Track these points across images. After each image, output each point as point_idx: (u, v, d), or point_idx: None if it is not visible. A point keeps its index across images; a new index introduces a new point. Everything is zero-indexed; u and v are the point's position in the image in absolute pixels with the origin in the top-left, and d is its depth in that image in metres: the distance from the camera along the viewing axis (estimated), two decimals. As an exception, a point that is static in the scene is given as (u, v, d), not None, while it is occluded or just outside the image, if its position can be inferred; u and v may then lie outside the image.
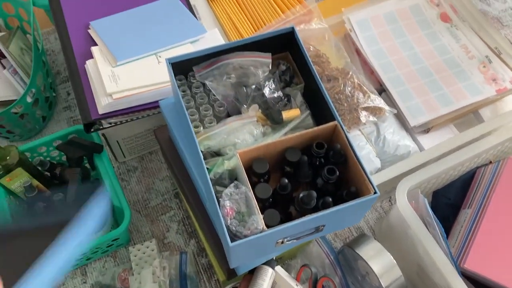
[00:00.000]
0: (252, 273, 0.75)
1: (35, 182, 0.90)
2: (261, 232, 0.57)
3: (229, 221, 0.58)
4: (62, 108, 1.14)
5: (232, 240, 0.56)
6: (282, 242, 0.62)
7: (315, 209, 0.60)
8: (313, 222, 0.59)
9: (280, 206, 0.64)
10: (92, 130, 0.84)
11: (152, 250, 0.93)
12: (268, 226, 0.58)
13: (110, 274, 0.93)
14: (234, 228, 0.57)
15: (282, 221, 0.59)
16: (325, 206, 0.60)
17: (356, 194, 0.62)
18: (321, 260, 0.90)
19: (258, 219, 0.57)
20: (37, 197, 0.89)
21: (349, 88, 0.88)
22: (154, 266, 0.89)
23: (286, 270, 0.79)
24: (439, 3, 1.07)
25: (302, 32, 0.94)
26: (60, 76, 1.19)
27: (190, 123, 0.64)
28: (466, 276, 0.79)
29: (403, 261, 0.84)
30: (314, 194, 0.60)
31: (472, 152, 0.87)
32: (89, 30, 0.92)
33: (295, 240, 0.63)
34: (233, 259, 0.61)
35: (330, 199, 0.61)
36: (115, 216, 0.94)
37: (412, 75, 0.98)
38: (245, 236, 0.56)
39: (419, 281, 0.88)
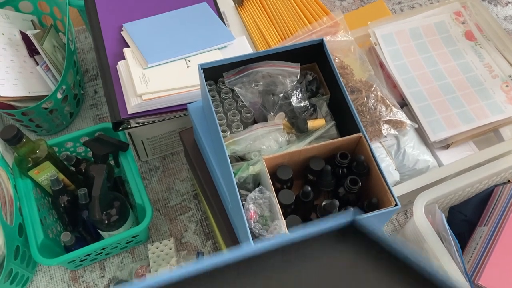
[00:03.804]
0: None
1: (61, 176, 0.93)
2: (283, 236, 0.58)
3: (252, 224, 0.60)
4: (88, 106, 1.17)
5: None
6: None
7: (336, 218, 0.62)
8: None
9: (301, 213, 0.65)
10: (120, 128, 0.87)
11: (170, 249, 0.95)
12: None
13: (127, 269, 0.96)
14: (257, 231, 0.59)
15: (304, 227, 0.61)
16: (347, 215, 0.62)
17: (377, 205, 0.63)
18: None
19: (281, 224, 0.59)
20: (62, 190, 0.92)
21: (372, 101, 0.90)
22: (171, 264, 0.91)
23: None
24: (464, 21, 1.09)
25: (328, 44, 0.96)
26: (88, 74, 1.22)
27: (218, 127, 0.66)
28: (479, 291, 0.80)
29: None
30: (337, 203, 0.61)
31: (491, 171, 0.87)
32: (121, 32, 0.95)
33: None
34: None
35: (352, 209, 0.62)
36: (136, 214, 0.96)
37: (435, 91, 0.99)
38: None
39: (432, 295, 0.89)
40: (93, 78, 1.22)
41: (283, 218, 0.59)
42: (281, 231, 0.58)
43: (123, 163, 0.95)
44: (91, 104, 1.17)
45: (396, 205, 0.61)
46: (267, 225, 0.60)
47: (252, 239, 0.58)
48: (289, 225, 0.60)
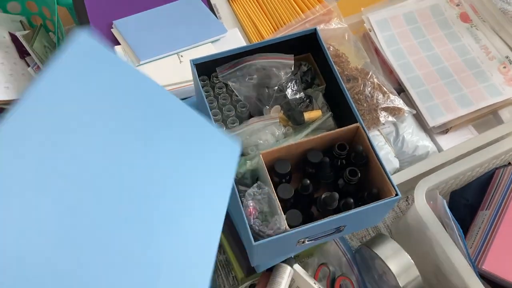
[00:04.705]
0: (271, 271, 0.76)
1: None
2: (284, 232, 0.58)
3: (252, 221, 0.59)
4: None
5: (255, 239, 0.57)
6: (303, 242, 0.63)
7: (337, 210, 0.61)
8: (334, 223, 0.60)
9: (301, 206, 0.65)
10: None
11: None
12: (290, 226, 0.59)
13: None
14: (257, 228, 0.58)
15: (304, 221, 0.60)
16: (347, 207, 0.61)
17: (378, 195, 0.63)
18: (338, 258, 0.91)
19: (281, 219, 0.58)
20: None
21: (369, 89, 0.89)
22: None
23: (304, 268, 0.81)
24: (459, 3, 1.07)
25: (322, 32, 0.94)
26: (81, 73, 1.21)
27: (213, 123, 0.65)
28: (484, 277, 0.80)
29: (420, 261, 0.85)
30: (337, 195, 0.61)
31: (491, 154, 0.87)
32: (112, 30, 0.93)
33: (315, 240, 0.64)
34: (255, 257, 0.62)
35: (352, 200, 0.62)
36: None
37: (432, 76, 0.98)
38: (268, 236, 0.57)
39: (436, 281, 0.89)
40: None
41: (282, 213, 0.59)
42: (281, 227, 0.57)
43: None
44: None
45: (396, 195, 0.60)
46: (267, 221, 0.59)
47: (253, 236, 0.58)
48: (289, 220, 0.59)
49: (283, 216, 0.58)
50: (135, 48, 0.88)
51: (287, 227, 0.58)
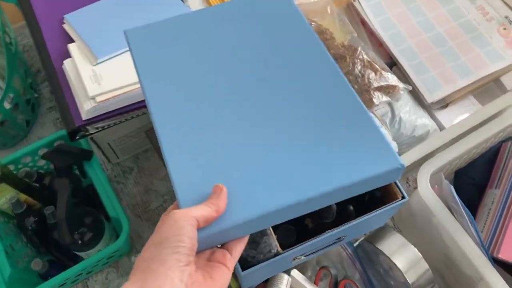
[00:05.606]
0: (266, 281, 0.68)
1: (23, 197, 0.83)
2: (276, 255, 0.49)
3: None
4: (46, 109, 1.05)
5: (243, 266, 0.49)
6: (300, 258, 0.55)
7: (335, 220, 0.53)
8: (334, 236, 0.52)
9: (294, 219, 0.56)
10: (77, 137, 0.76)
11: (157, 258, 0.86)
12: (283, 246, 0.50)
13: (113, 286, 0.87)
14: (244, 253, 0.50)
15: (298, 236, 0.52)
16: (347, 216, 0.53)
17: (381, 199, 0.54)
18: (338, 254, 0.84)
19: (271, 241, 0.49)
20: (26, 212, 0.82)
21: (359, 67, 0.79)
22: (160, 275, 0.83)
23: (302, 268, 0.73)
24: (449, -40, 0.97)
25: (301, 7, 0.84)
26: (41, 74, 1.10)
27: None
28: (498, 262, 0.73)
29: (428, 250, 0.78)
30: (334, 207, 0.52)
31: (497, 127, 0.79)
32: (64, 25, 0.82)
33: (313, 254, 0.56)
34: (245, 283, 0.54)
35: (352, 208, 0.53)
36: (114, 226, 0.87)
37: (425, 45, 0.89)
38: (258, 261, 0.49)
39: (447, 271, 0.82)
40: (47, 78, 1.09)
41: (273, 234, 0.50)
42: (273, 249, 0.49)
43: (89, 173, 0.84)
44: (49, 107, 1.06)
45: (403, 197, 0.52)
46: (255, 243, 0.51)
47: (240, 260, 0.49)
48: (281, 239, 0.51)
49: (274, 237, 0.50)
50: (91, 44, 0.77)
51: (279, 249, 0.49)
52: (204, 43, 0.58)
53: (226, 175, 0.46)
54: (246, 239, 0.46)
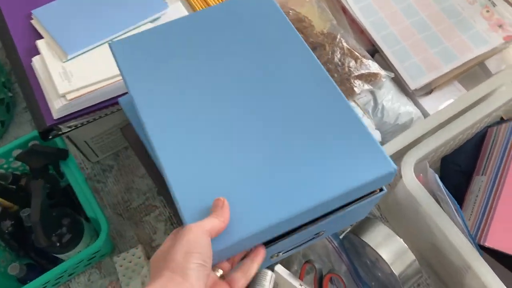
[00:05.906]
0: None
1: (-2, 200, 0.81)
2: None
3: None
4: (22, 109, 1.02)
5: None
6: (277, 255, 0.53)
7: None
8: (310, 232, 0.50)
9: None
10: (50, 137, 0.74)
11: (139, 258, 0.84)
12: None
13: (96, 287, 0.85)
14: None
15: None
16: (324, 211, 0.51)
17: (359, 192, 0.52)
18: (324, 246, 0.82)
19: (246, 240, 0.47)
20: (2, 215, 0.80)
21: (339, 55, 0.77)
22: (142, 275, 0.81)
23: (287, 262, 0.71)
24: None
25: (279, -5, 0.82)
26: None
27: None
28: (486, 249, 0.71)
29: (416, 240, 0.76)
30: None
31: (483, 112, 0.77)
32: (32, 21, 0.79)
33: (291, 250, 0.54)
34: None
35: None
36: (94, 226, 0.85)
37: (408, 31, 0.87)
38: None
39: (435, 261, 0.81)
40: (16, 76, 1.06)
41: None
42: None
43: (66, 173, 0.82)
44: (25, 106, 1.03)
45: (381, 190, 0.50)
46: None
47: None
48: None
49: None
50: (60, 40, 0.74)
51: (254, 247, 0.47)
52: (190, 51, 0.57)
53: (223, 189, 0.47)
54: (250, 275, 0.47)
